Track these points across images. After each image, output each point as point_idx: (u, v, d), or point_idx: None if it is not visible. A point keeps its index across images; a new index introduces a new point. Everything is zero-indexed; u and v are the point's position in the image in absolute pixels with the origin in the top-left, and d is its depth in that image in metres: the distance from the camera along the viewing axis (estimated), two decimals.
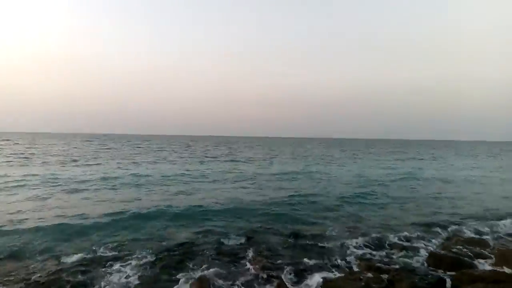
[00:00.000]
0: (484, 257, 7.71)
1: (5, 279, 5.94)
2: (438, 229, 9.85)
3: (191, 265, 6.87)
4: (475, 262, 7.35)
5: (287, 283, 6.12)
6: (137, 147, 51.52)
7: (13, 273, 6.17)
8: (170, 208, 11.18)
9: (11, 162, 23.95)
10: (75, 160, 26.87)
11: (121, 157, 32.07)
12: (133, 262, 6.91)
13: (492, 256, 7.62)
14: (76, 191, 13.80)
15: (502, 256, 7.32)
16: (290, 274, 6.49)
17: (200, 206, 11.65)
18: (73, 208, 10.80)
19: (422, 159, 42.00)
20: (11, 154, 31.58)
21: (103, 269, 6.53)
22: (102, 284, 5.99)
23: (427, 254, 7.61)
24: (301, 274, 6.49)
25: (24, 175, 17.13)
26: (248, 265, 6.88)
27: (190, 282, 6.02)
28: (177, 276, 6.33)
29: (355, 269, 6.85)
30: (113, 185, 15.29)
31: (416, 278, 5.79)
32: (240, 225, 9.68)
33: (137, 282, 6.12)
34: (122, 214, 10.17)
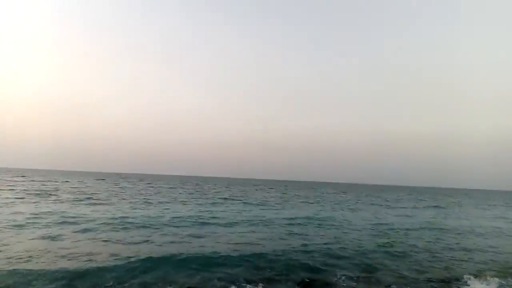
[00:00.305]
0: None
1: None
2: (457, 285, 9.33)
3: None
4: None
5: None
6: (150, 187, 51.73)
7: None
8: (180, 252, 10.98)
9: (25, 199, 24.30)
10: (88, 198, 27.09)
11: (133, 196, 32.17)
12: None
13: None
14: (86, 231, 13.73)
15: None
16: None
17: (211, 250, 11.42)
18: (79, 248, 10.71)
19: (437, 206, 40.73)
20: (24, 190, 32.12)
21: None
22: None
23: None
24: None
25: (36, 213, 17.26)
26: None
27: None
28: None
29: None
30: (124, 226, 15.21)
31: None
32: (250, 271, 9.37)
33: None
34: (129, 257, 10.01)
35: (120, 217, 17.44)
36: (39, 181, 52.03)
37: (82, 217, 16.92)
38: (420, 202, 47.57)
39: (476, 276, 9.93)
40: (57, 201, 23.96)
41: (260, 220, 19.33)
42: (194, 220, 17.87)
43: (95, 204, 23.65)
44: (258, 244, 13.03)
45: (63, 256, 9.71)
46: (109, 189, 41.92)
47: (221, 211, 23.07)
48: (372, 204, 39.15)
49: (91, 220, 15.99)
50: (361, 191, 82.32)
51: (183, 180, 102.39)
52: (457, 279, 9.68)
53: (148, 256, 10.13)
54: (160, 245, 11.89)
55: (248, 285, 8.33)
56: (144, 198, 30.69)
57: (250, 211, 24.58)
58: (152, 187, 53.32)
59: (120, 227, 14.89)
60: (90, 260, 9.48)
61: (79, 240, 12.05)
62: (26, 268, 8.38)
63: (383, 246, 13.74)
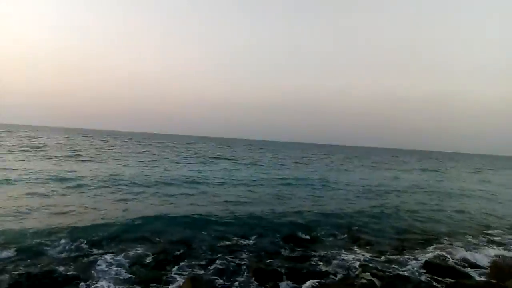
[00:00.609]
0: (480, 268, 7.82)
1: None
2: (443, 240, 10.01)
3: (187, 264, 7.00)
4: (470, 272, 7.45)
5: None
6: (138, 145, 51.60)
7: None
8: (171, 210, 11.29)
9: (14, 153, 24.09)
10: (78, 155, 26.99)
11: (122, 154, 32.18)
12: (127, 259, 7.01)
13: (488, 267, 7.71)
14: (77, 187, 13.89)
15: (496, 268, 7.41)
16: (286, 279, 6.59)
17: (203, 209, 11.76)
18: (71, 206, 10.88)
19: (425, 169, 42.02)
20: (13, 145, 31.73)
21: (95, 263, 6.66)
22: (95, 277, 6.12)
23: (422, 263, 7.71)
24: (296, 279, 6.59)
25: (26, 169, 17.24)
26: (245, 268, 6.98)
27: (184, 280, 6.15)
28: (172, 274, 6.47)
29: (351, 274, 6.95)
30: (115, 184, 15.38)
31: (410, 286, 5.90)
32: (240, 228, 9.76)
33: (130, 276, 6.25)
34: (122, 215, 10.28)
35: (110, 174, 17.56)
36: (27, 137, 51.29)
37: (73, 174, 16.96)
38: (404, 164, 49.00)
39: (449, 236, 10.63)
40: (46, 157, 23.84)
41: (251, 181, 19.78)
42: (185, 179, 18.10)
43: (85, 161, 23.63)
44: (249, 202, 13.51)
45: (56, 213, 9.88)
46: (98, 146, 41.70)
47: (212, 171, 23.42)
48: (363, 166, 40.22)
49: (82, 177, 16.05)
50: (352, 153, 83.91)
51: (172, 140, 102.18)
52: (430, 239, 10.31)
53: (140, 213, 10.40)
54: (152, 204, 12.14)
55: (240, 240, 8.76)
56: (134, 156, 30.76)
57: (239, 170, 25.04)
58: (141, 145, 53.20)
59: (111, 184, 15.05)
60: (82, 217, 9.67)
61: (71, 197, 12.22)
62: (19, 225, 8.57)
63: (374, 206, 14.38)
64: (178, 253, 7.57)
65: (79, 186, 14.14)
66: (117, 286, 5.90)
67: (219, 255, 7.60)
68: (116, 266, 6.61)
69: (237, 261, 7.34)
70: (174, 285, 6.04)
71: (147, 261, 7.02)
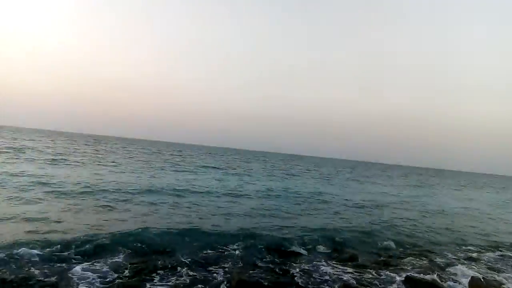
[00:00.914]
0: (459, 284, 7.95)
1: None
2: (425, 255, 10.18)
3: (167, 274, 6.91)
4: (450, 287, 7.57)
5: None
6: (126, 151, 50.87)
7: None
8: (153, 218, 11.13)
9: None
10: (62, 159, 26.43)
11: (107, 159, 31.67)
12: (106, 267, 6.87)
13: (467, 285, 7.84)
14: (60, 194, 13.47)
15: (475, 286, 7.56)
16: None
17: (187, 219, 11.68)
18: (48, 212, 10.60)
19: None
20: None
21: (71, 271, 6.51)
22: (71, 284, 6.00)
23: (403, 278, 7.79)
24: None
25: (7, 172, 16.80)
26: (227, 280, 6.91)
27: None
28: (152, 284, 6.37)
29: (333, 286, 6.96)
30: (97, 192, 15.08)
31: None
32: (225, 239, 9.66)
33: (108, 286, 6.13)
34: (100, 222, 10.07)
35: (95, 182, 17.20)
36: (10, 138, 50.06)
37: (54, 178, 16.58)
38: (390, 179, 49.69)
39: (430, 252, 10.83)
40: (29, 160, 23.28)
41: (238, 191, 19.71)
42: (172, 188, 17.74)
43: (69, 165, 23.16)
44: (234, 214, 13.45)
45: (34, 219, 9.60)
46: (82, 150, 40.97)
47: (198, 180, 23.26)
48: (353, 180, 40.58)
49: (64, 183, 15.66)
50: (343, 167, 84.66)
51: (160, 146, 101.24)
52: (412, 255, 10.46)
53: (121, 222, 10.21)
54: (134, 212, 11.90)
55: (224, 251, 8.69)
56: (118, 162, 30.28)
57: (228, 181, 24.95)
58: (128, 150, 52.51)
59: (94, 190, 14.64)
60: (60, 225, 9.43)
61: (51, 202, 11.92)
62: None
63: (358, 221, 14.47)
64: (159, 262, 7.44)
65: (59, 191, 13.77)
66: None
67: (201, 266, 7.51)
68: (94, 274, 6.46)
69: (220, 272, 7.27)
70: None
71: (127, 270, 6.87)
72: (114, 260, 7.22)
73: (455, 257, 10.49)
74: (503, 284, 8.28)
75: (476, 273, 8.65)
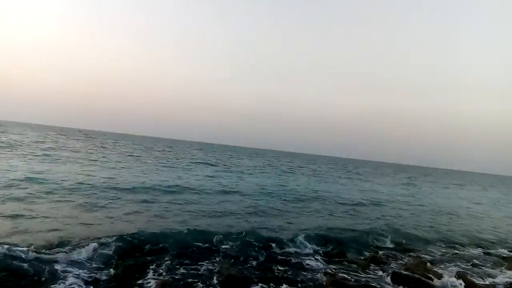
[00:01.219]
0: (445, 280, 8.13)
1: None
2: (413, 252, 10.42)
3: (157, 269, 6.96)
4: (436, 284, 7.74)
5: None
6: (117, 146, 50.38)
7: None
8: (144, 215, 11.10)
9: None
10: (54, 155, 26.05)
11: (98, 155, 31.37)
12: (94, 263, 6.87)
13: (452, 281, 8.03)
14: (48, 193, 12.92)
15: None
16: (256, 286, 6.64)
17: (179, 217, 11.66)
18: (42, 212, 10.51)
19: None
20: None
21: (57, 265, 6.49)
22: (57, 278, 6.01)
23: (390, 273, 7.95)
24: (267, 286, 6.65)
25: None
26: (217, 274, 6.98)
27: (155, 285, 6.11)
28: (143, 279, 6.39)
29: (320, 283, 7.08)
30: (88, 190, 14.91)
31: None
32: (216, 235, 9.62)
33: (96, 280, 6.15)
34: (90, 218, 9.99)
35: (85, 178, 16.99)
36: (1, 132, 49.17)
37: (46, 175, 16.31)
38: (385, 177, 50.23)
39: (418, 249, 11.02)
40: (18, 155, 22.94)
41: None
42: (164, 185, 17.51)
43: (59, 162, 22.86)
44: (226, 211, 13.53)
45: (20, 216, 9.46)
46: (73, 145, 40.49)
47: (190, 176, 23.22)
48: (349, 178, 40.91)
49: (54, 179, 15.35)
50: (340, 164, 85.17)
51: (150, 141, 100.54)
52: (400, 251, 10.66)
53: (111, 218, 10.16)
54: (123, 209, 11.71)
55: (214, 246, 8.74)
56: (108, 158, 30.03)
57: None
58: (118, 145, 52.03)
59: (83, 190, 14.12)
60: (46, 221, 9.33)
61: (41, 202, 11.72)
62: None
63: (349, 219, 14.63)
64: (150, 259, 7.46)
65: (49, 188, 13.55)
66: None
67: (192, 262, 7.56)
68: (82, 270, 6.45)
69: (210, 267, 7.34)
70: None
71: (118, 266, 6.87)
72: (104, 257, 7.20)
73: (440, 253, 10.74)
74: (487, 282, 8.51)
75: (461, 270, 8.87)
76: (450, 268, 9.08)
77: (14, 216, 9.22)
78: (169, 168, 26.86)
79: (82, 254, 7.08)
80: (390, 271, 8.11)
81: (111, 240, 8.02)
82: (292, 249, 9.41)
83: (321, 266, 8.28)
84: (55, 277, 6.09)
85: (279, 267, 7.83)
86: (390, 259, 9.49)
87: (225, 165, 38.12)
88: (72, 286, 5.87)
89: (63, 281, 5.98)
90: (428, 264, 9.09)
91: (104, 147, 44.65)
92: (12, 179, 14.09)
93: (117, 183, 16.32)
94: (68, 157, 25.89)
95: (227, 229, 10.48)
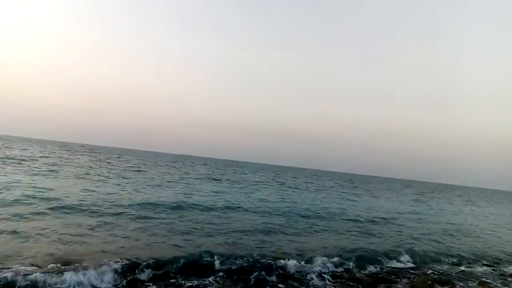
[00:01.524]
0: None
1: None
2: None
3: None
4: None
5: None
6: (120, 161, 50.60)
7: None
8: (142, 232, 11.12)
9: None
10: (53, 171, 26.21)
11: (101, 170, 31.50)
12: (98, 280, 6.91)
13: None
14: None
15: None
16: None
17: (178, 235, 11.60)
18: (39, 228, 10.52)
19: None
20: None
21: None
22: None
23: None
24: None
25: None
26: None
27: None
28: None
29: None
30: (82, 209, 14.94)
31: None
32: (214, 252, 9.54)
33: None
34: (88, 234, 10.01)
35: (90, 195, 17.03)
36: (3, 147, 49.67)
37: (51, 191, 16.37)
38: (389, 192, 49.78)
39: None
40: (24, 171, 23.10)
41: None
42: (168, 201, 17.33)
43: (65, 177, 22.98)
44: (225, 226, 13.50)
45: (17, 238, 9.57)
46: (81, 161, 40.75)
47: (195, 192, 23.20)
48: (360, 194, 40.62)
49: (60, 197, 15.21)
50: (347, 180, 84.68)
51: (152, 156, 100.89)
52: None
53: (109, 235, 10.19)
54: (122, 226, 11.56)
55: (210, 263, 8.69)
56: (113, 173, 30.13)
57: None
58: (123, 161, 52.24)
59: (90, 207, 13.83)
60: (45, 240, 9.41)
61: (47, 219, 11.76)
62: None
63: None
64: (153, 277, 7.49)
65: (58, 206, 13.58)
66: None
67: (197, 279, 7.61)
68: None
69: (215, 286, 7.34)
70: None
71: (119, 282, 6.90)
72: (111, 277, 7.18)
73: (448, 271, 10.57)
74: None
75: None
76: (457, 286, 8.94)
77: (19, 234, 9.18)
78: (176, 184, 26.85)
79: (89, 275, 7.06)
80: None
81: (117, 259, 8.02)
82: (298, 267, 9.31)
83: (327, 285, 8.20)
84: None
85: (282, 286, 7.80)
86: (396, 277, 9.37)
87: (228, 179, 38.08)
88: None
89: None
90: (435, 283, 8.98)
91: (109, 162, 44.90)
92: (18, 195, 14.13)
93: (121, 199, 16.37)
94: (72, 172, 26.04)
95: (231, 247, 10.45)
